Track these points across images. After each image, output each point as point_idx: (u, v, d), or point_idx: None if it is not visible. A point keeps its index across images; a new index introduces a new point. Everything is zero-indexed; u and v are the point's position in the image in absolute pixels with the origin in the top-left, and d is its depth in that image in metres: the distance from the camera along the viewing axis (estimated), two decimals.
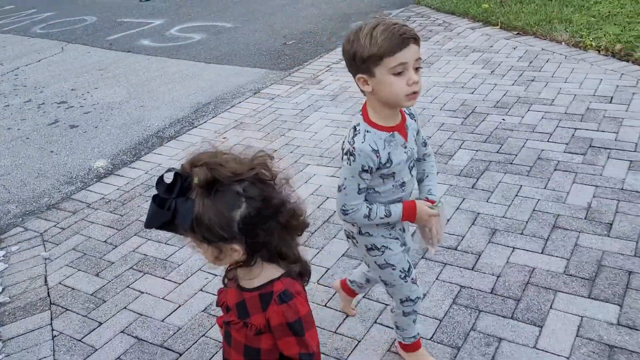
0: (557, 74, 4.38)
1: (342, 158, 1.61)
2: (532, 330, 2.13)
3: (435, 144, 3.59)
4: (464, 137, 3.64)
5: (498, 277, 2.43)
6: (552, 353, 2.03)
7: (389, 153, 1.59)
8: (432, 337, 2.16)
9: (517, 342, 2.09)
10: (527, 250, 2.56)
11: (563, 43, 4.95)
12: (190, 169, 1.09)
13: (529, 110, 3.88)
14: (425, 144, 1.79)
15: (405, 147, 1.63)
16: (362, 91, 1.56)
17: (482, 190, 3.06)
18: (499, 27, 5.63)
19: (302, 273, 1.24)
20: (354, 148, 1.56)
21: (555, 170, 3.15)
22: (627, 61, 4.42)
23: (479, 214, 2.86)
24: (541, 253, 2.53)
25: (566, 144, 3.40)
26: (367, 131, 1.57)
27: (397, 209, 1.66)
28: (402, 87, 1.48)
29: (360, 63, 1.49)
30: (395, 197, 1.68)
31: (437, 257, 2.60)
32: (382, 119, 1.59)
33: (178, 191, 1.08)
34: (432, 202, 1.73)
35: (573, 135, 3.48)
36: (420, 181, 1.82)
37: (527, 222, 2.75)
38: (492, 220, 2.80)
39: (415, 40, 1.47)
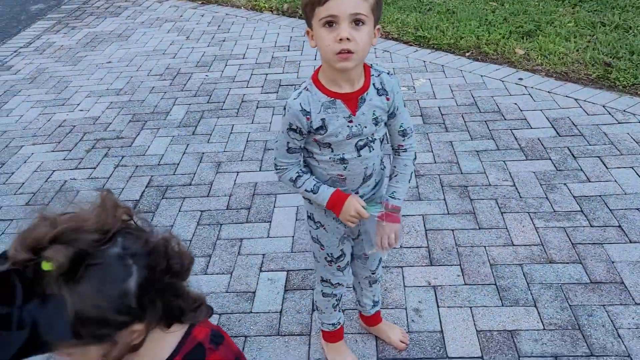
0: (242, 33, 5.00)
1: None
2: (264, 226, 2.63)
3: (150, 105, 3.82)
4: (176, 95, 3.95)
5: (230, 196, 2.86)
6: (280, 237, 2.55)
7: (323, 119, 1.42)
8: None
9: (254, 237, 2.56)
10: (249, 172, 3.05)
11: (242, 7, 5.61)
12: (31, 254, 0.75)
13: (226, 65, 4.39)
14: (404, 134, 1.55)
15: (351, 121, 1.44)
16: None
17: (202, 134, 3.43)
18: None
19: (204, 311, 0.95)
20: (286, 102, 1.44)
21: (257, 108, 3.71)
22: (295, 17, 5.31)
23: (204, 153, 3.24)
24: (259, 171, 3.05)
25: (262, 86, 4.00)
26: (307, 89, 1.43)
27: (326, 191, 1.50)
28: (331, 43, 1.30)
29: (304, 14, 1.38)
30: (334, 173, 1.52)
31: (176, 194, 2.90)
32: (328, 82, 1.42)
33: (22, 295, 0.74)
34: (395, 208, 1.56)
35: (265, 79, 4.12)
36: (389, 178, 1.60)
37: (244, 151, 3.23)
38: (215, 155, 3.21)
39: None
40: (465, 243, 2.40)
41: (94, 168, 3.19)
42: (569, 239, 2.35)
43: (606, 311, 2.01)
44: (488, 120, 3.30)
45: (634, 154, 2.85)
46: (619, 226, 2.40)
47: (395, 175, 1.58)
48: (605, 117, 3.20)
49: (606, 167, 2.78)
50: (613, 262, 2.21)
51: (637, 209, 2.48)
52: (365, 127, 1.45)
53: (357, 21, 1.30)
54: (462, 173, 2.86)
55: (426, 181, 2.82)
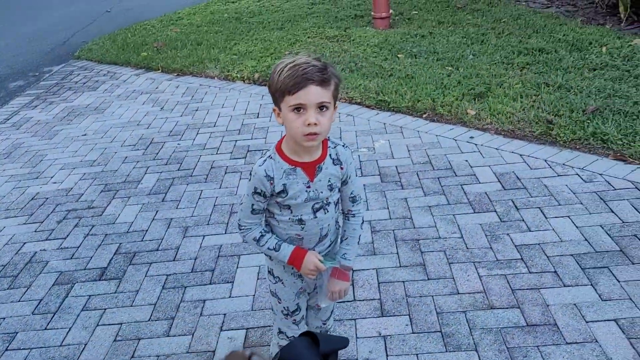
0: (215, 102, 5.28)
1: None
2: (227, 286, 2.76)
3: (122, 175, 4.00)
4: (148, 164, 4.14)
5: (195, 259, 3.00)
6: (242, 296, 2.68)
7: (284, 184, 1.60)
8: (149, 319, 2.59)
9: (216, 298, 2.69)
10: (214, 235, 3.20)
11: (215, 78, 5.94)
12: None
13: (198, 133, 4.62)
14: (354, 200, 1.74)
15: (309, 187, 1.63)
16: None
17: (172, 201, 3.61)
18: (160, 71, 6.34)
19: None
20: (252, 168, 1.62)
21: (225, 173, 3.91)
22: (265, 85, 5.62)
23: (172, 219, 3.40)
24: (224, 233, 3.20)
25: (231, 152, 4.23)
26: (271, 157, 1.62)
27: (287, 249, 1.68)
28: (300, 127, 1.49)
29: (272, 96, 1.56)
30: (293, 233, 1.69)
31: (143, 259, 3.03)
32: (290, 152, 1.60)
33: None
34: (346, 269, 1.75)
35: (235, 145, 4.35)
36: (341, 240, 1.80)
37: (210, 215, 3.40)
38: (183, 220, 3.37)
39: (321, 82, 1.48)
40: (415, 293, 2.55)
41: (64, 238, 3.32)
42: (509, 285, 2.52)
43: (540, 352, 2.15)
44: (441, 177, 3.53)
45: (571, 204, 3.08)
46: (555, 271, 2.58)
47: (346, 239, 1.78)
48: (546, 171, 3.44)
49: (545, 217, 2.99)
50: (548, 306, 2.38)
51: (572, 255, 2.67)
52: (322, 192, 1.65)
53: (322, 107, 1.51)
54: (414, 227, 3.05)
55: (381, 236, 3.00)
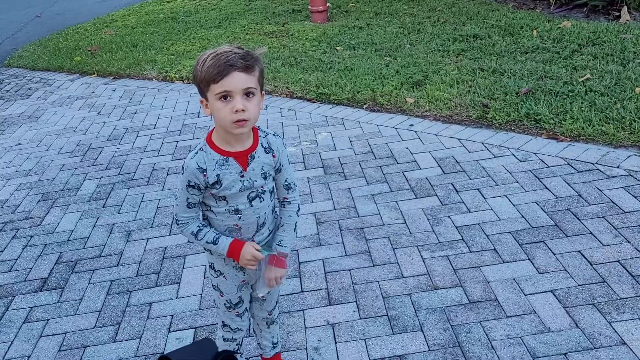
0: (154, 104, 5.16)
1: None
2: (173, 288, 2.71)
3: (60, 183, 3.86)
4: (87, 170, 4.01)
5: (140, 263, 2.92)
6: (189, 296, 2.64)
7: (217, 175, 1.60)
8: (95, 326, 2.51)
9: (163, 300, 2.63)
10: (159, 237, 3.13)
11: (153, 79, 5.80)
12: None
13: (137, 136, 4.51)
14: (288, 188, 1.77)
15: (243, 176, 1.64)
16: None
17: (113, 206, 3.50)
18: (95, 75, 6.14)
19: None
20: (184, 162, 1.63)
21: (168, 175, 3.83)
22: None
23: (114, 224, 3.30)
24: (169, 235, 3.14)
25: (172, 154, 4.14)
26: (202, 149, 1.62)
27: (225, 241, 1.69)
28: (228, 114, 1.51)
29: (198, 87, 1.57)
30: (231, 224, 1.70)
31: (86, 267, 2.93)
32: (221, 142, 1.62)
33: None
34: (282, 255, 1.76)
35: (176, 146, 4.26)
36: (277, 228, 1.80)
37: (154, 218, 3.32)
38: (125, 225, 3.28)
39: (245, 69, 1.50)
40: (361, 280, 2.58)
41: (1, 251, 3.18)
42: (451, 266, 2.59)
43: (482, 327, 2.22)
44: (383, 165, 3.58)
45: (507, 183, 3.18)
46: (494, 249, 2.66)
47: (282, 226, 1.79)
48: (484, 153, 3.55)
49: (484, 197, 3.08)
50: (488, 282, 2.45)
51: (509, 232, 2.77)
52: (256, 181, 1.66)
53: (248, 94, 1.53)
54: (359, 216, 3.08)
55: (326, 227, 3.01)
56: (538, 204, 2.96)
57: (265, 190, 1.70)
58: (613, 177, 3.10)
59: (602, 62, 4.50)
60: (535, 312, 2.26)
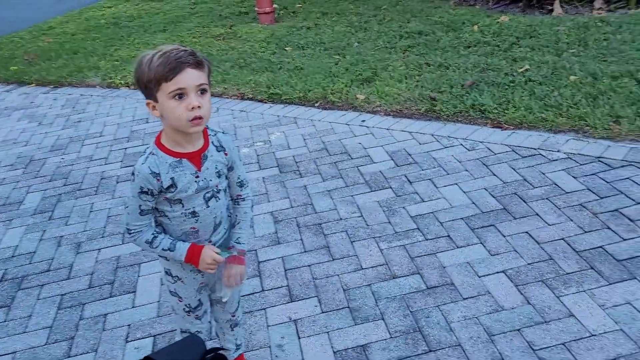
0: (99, 111, 5.01)
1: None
2: (129, 297, 2.64)
3: (1, 197, 3.69)
4: (30, 183, 3.85)
5: (92, 274, 2.83)
6: (146, 304, 2.57)
7: (172, 178, 1.56)
8: (46, 343, 2.41)
9: (119, 310, 2.56)
10: (111, 247, 3.04)
11: (97, 86, 5.63)
12: None
13: (83, 145, 4.36)
14: (241, 185, 1.75)
15: (197, 177, 1.60)
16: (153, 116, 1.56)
17: (60, 218, 3.38)
18: (34, 84, 5.91)
19: None
20: (134, 168, 1.56)
21: (117, 183, 3.73)
22: None
23: (62, 237, 3.18)
24: (122, 244, 3.05)
25: (121, 161, 4.04)
26: (152, 153, 1.56)
27: (182, 247, 1.64)
28: (183, 112, 1.47)
29: (144, 88, 1.50)
30: (187, 227, 1.65)
31: (33, 282, 2.81)
32: (172, 144, 1.57)
33: None
34: (240, 252, 1.74)
35: (125, 153, 4.16)
36: (232, 226, 1.78)
37: (105, 227, 3.23)
38: (74, 237, 3.17)
39: (196, 65, 1.47)
40: (321, 275, 2.59)
41: None
42: (408, 254, 2.63)
43: (440, 310, 2.27)
44: (337, 162, 3.60)
45: (457, 172, 3.27)
46: (448, 235, 2.73)
47: (238, 223, 1.78)
48: (434, 144, 3.63)
49: (436, 187, 3.15)
50: (444, 267, 2.51)
51: (462, 218, 2.84)
52: (211, 180, 1.63)
53: (201, 90, 1.50)
54: (316, 213, 3.09)
55: (284, 225, 3.01)
56: (487, 190, 3.05)
57: (220, 189, 1.68)
58: (554, 160, 3.23)
59: (539, 53, 4.69)
60: (489, 293, 2.33)
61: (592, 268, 2.39)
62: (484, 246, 2.62)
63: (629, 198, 2.80)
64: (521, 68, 4.43)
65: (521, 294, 2.31)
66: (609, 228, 2.61)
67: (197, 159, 1.59)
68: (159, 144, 1.58)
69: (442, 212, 2.91)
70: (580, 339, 2.06)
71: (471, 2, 6.54)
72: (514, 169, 3.21)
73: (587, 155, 3.22)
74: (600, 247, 2.51)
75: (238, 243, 1.75)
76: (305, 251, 2.78)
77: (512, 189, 3.03)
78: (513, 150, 3.41)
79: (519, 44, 4.99)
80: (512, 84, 4.18)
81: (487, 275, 2.43)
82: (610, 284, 2.29)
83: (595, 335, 2.07)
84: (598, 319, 2.13)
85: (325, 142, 3.89)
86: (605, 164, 3.12)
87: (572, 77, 4.11)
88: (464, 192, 3.06)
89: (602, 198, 2.84)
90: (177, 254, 1.65)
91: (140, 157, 1.59)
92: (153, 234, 1.63)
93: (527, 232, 2.67)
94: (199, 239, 1.69)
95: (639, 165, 3.06)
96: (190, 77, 1.46)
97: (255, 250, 2.83)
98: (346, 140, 3.87)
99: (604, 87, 3.87)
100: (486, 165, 3.29)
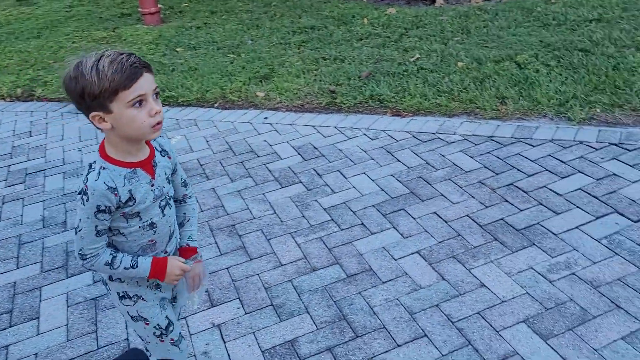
0: None
1: (77, 198, 1.44)
2: (32, 324, 2.42)
3: None
4: None
5: None
6: (52, 329, 2.38)
7: (129, 190, 1.46)
8: None
9: (21, 340, 2.34)
10: (4, 273, 2.77)
11: None
12: None
13: None
14: (185, 184, 1.69)
15: (153, 185, 1.51)
16: (99, 129, 1.42)
17: None
18: None
19: None
20: (87, 187, 1.41)
21: (4, 204, 3.41)
22: (32, 100, 5.01)
23: None
24: (17, 269, 2.79)
25: (5, 180, 3.69)
26: (104, 168, 1.44)
27: (145, 262, 1.53)
28: (145, 119, 1.38)
29: (91, 100, 1.36)
30: (145, 240, 1.55)
31: None
32: (123, 155, 1.46)
33: None
34: (193, 250, 1.69)
35: (9, 171, 3.80)
36: (180, 225, 1.70)
37: None
38: None
39: (148, 68, 1.40)
40: (241, 276, 2.54)
41: None
42: (326, 246, 2.66)
43: (362, 296, 2.32)
44: (244, 161, 3.55)
45: (364, 161, 3.35)
46: (362, 223, 2.79)
47: (188, 220, 1.73)
48: (338, 136, 3.69)
49: (345, 177, 3.21)
50: (362, 255, 2.57)
51: (373, 205, 2.92)
52: (164, 187, 1.56)
53: (156, 94, 1.43)
54: (228, 214, 3.02)
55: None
56: (393, 176, 3.16)
57: (170, 196, 1.61)
58: (452, 143, 3.42)
59: (427, 43, 4.94)
60: (406, 274, 2.42)
61: (496, 239, 2.56)
62: (397, 230, 2.71)
63: (521, 172, 3.03)
64: (412, 57, 4.64)
65: (436, 271, 2.42)
66: (506, 201, 2.81)
67: (149, 166, 1.51)
68: (106, 157, 1.46)
69: (354, 202, 2.98)
70: (493, 306, 2.20)
71: None
72: (416, 154, 3.35)
73: (480, 136, 3.44)
74: (501, 219, 2.69)
75: (192, 240, 1.72)
76: (221, 254, 2.71)
77: (417, 173, 3.16)
78: (413, 137, 3.56)
79: (408, 34, 5.22)
80: (405, 73, 4.36)
81: (402, 257, 2.52)
82: (513, 252, 2.47)
83: (506, 301, 2.22)
84: (506, 286, 2.29)
85: (230, 142, 3.82)
86: (497, 142, 3.35)
87: (459, 64, 4.37)
88: (372, 180, 3.15)
89: (497, 174, 3.05)
90: (140, 271, 1.53)
91: (87, 174, 1.43)
92: (111, 254, 1.51)
93: (435, 213, 2.80)
94: (156, 251, 1.59)
95: (525, 141, 3.33)
96: (147, 82, 1.38)
97: None
98: (251, 139, 3.83)
99: (488, 71, 4.15)
100: (390, 153, 3.41)
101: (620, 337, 2.00)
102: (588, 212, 2.66)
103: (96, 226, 1.45)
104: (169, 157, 1.60)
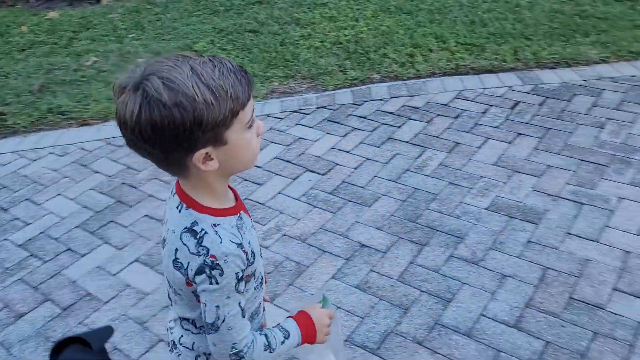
0: None
1: (196, 284, 0.98)
2: None
3: None
4: None
5: None
6: None
7: (249, 242, 1.05)
8: None
9: None
10: None
11: None
12: None
13: None
14: None
15: (253, 227, 1.12)
16: (184, 175, 0.99)
17: None
18: None
19: None
20: (213, 257, 0.96)
21: None
22: None
23: None
24: None
25: None
26: (215, 224, 1.00)
27: (290, 326, 1.15)
28: (257, 145, 1.03)
29: (209, 131, 0.91)
30: (257, 304, 1.17)
31: None
32: (221, 200, 1.05)
33: None
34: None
35: None
36: None
37: None
38: None
39: None
40: None
41: None
42: (30, 285, 2.32)
43: (85, 325, 2.11)
44: None
45: (56, 181, 3.01)
46: (69, 249, 2.52)
47: None
48: (20, 161, 3.24)
49: (37, 204, 2.85)
50: (74, 282, 2.32)
51: (77, 226, 2.65)
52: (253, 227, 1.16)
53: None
54: None
55: None
56: (94, 190, 2.93)
57: None
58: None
59: (102, 44, 4.67)
60: (129, 286, 2.29)
61: None
62: (110, 244, 2.53)
63: None
64: (88, 61, 4.33)
65: (159, 273, 2.35)
66: None
67: (243, 206, 1.12)
68: (206, 210, 1.02)
69: (54, 228, 2.67)
70: None
71: (10, 3, 5.95)
72: (114, 161, 3.16)
73: None
74: None
75: None
76: None
77: (119, 180, 3.00)
78: (108, 143, 3.35)
79: (78, 37, 4.85)
80: (84, 79, 4.06)
81: (121, 270, 2.38)
82: None
83: None
84: None
85: None
86: None
87: (141, 60, 4.26)
88: (71, 199, 2.86)
89: None
90: (293, 337, 1.14)
91: (200, 242, 0.98)
92: (262, 334, 1.10)
93: (146, 215, 2.71)
94: (259, 318, 1.20)
95: None
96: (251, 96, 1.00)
97: None
98: None
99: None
100: (85, 166, 3.14)
101: (330, 277, 2.27)
102: (286, 177, 2.91)
103: (239, 303, 1.04)
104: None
